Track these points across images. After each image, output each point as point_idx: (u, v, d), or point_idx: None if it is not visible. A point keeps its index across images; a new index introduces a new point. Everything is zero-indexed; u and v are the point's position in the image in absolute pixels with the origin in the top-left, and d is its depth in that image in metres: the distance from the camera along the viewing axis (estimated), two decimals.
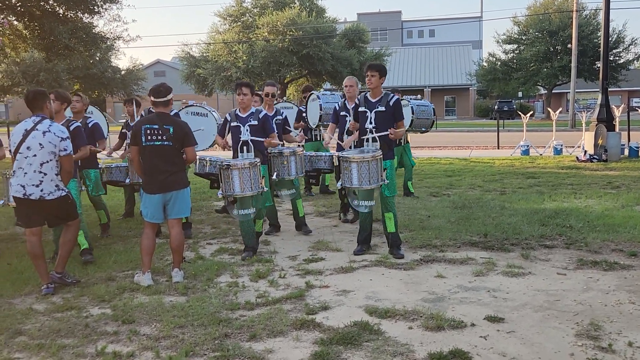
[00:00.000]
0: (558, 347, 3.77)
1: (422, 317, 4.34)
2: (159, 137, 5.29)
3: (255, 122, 6.34)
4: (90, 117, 7.10)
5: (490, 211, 8.08)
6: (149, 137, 5.30)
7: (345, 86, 7.12)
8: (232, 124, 6.42)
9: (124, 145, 8.26)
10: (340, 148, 6.94)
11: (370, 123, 6.07)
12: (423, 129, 9.78)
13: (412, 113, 9.26)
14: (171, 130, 5.30)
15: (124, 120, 8.59)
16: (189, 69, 40.42)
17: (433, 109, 10.02)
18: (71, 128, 6.01)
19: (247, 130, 6.32)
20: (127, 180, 7.37)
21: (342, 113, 7.02)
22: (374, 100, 6.12)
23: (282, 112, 7.61)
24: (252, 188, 5.97)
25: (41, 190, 5.08)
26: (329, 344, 3.89)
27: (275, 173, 6.72)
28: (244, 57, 35.48)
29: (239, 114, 6.42)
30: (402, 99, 9.41)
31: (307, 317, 4.39)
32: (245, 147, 6.31)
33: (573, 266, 5.57)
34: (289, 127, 7.81)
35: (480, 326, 4.16)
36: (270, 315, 4.42)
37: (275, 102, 7.82)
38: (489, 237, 6.65)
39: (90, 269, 5.84)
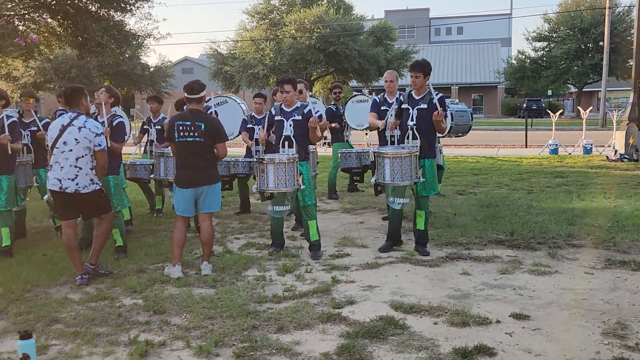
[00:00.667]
0: (584, 345, 3.79)
1: (447, 313, 4.38)
2: (191, 134, 5.41)
3: (300, 117, 6.16)
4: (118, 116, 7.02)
5: (517, 210, 8.06)
6: (182, 134, 5.43)
7: (386, 81, 7.16)
8: (276, 118, 6.28)
9: (145, 140, 8.46)
10: (382, 143, 6.91)
11: (412, 120, 5.99)
12: (460, 134, 9.72)
13: (452, 120, 9.19)
14: (203, 126, 5.42)
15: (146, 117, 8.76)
16: (217, 66, 40.74)
17: (471, 113, 9.96)
18: (114, 123, 6.21)
19: (290, 125, 6.17)
20: (151, 176, 7.50)
21: (382, 107, 7.04)
22: (417, 98, 6.04)
23: (307, 106, 6.98)
24: (287, 184, 5.89)
25: (76, 184, 5.25)
26: (355, 337, 3.96)
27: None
28: (271, 55, 35.64)
29: (284, 108, 6.27)
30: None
31: (333, 310, 4.47)
32: (287, 142, 6.17)
33: (601, 265, 5.54)
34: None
35: (506, 323, 4.19)
36: (297, 309, 4.50)
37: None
38: (516, 236, 6.64)
39: (122, 261, 5.99)
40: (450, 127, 9.16)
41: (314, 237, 6.19)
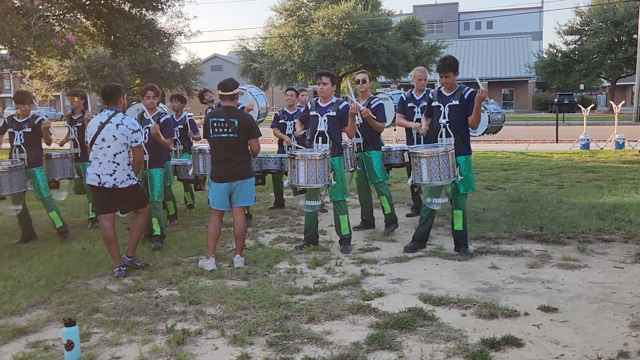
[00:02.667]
0: (612, 337, 3.82)
1: (476, 305, 4.45)
2: (225, 130, 5.58)
3: (334, 113, 6.21)
4: (164, 113, 7.02)
5: (546, 205, 8.04)
6: (216, 130, 5.60)
7: (415, 77, 7.19)
8: (311, 113, 6.37)
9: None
10: (410, 142, 6.93)
11: (444, 118, 5.89)
12: (491, 133, 9.68)
13: (489, 122, 9.15)
14: (236, 123, 5.58)
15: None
16: (245, 63, 41.13)
17: (504, 114, 9.93)
18: (161, 120, 6.55)
19: (324, 120, 6.23)
20: (190, 172, 7.69)
21: (409, 104, 7.07)
22: (448, 95, 5.93)
23: (343, 102, 6.51)
24: (318, 180, 5.95)
25: (114, 179, 5.45)
26: (384, 327, 4.06)
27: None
28: (300, 51, 35.82)
29: (320, 103, 6.32)
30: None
31: (363, 302, 4.57)
32: (320, 138, 6.24)
33: (631, 260, 5.53)
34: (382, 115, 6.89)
35: (534, 315, 4.24)
36: (327, 300, 4.62)
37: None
38: (545, 230, 6.64)
39: (158, 254, 6.19)
40: (486, 128, 9.12)
41: (345, 232, 6.28)
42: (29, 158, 6.80)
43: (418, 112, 7.01)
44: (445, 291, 4.80)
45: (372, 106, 6.69)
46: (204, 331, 4.15)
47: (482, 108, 8.95)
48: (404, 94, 7.31)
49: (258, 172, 7.76)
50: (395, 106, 7.89)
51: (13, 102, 7.74)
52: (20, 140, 6.81)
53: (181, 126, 8.43)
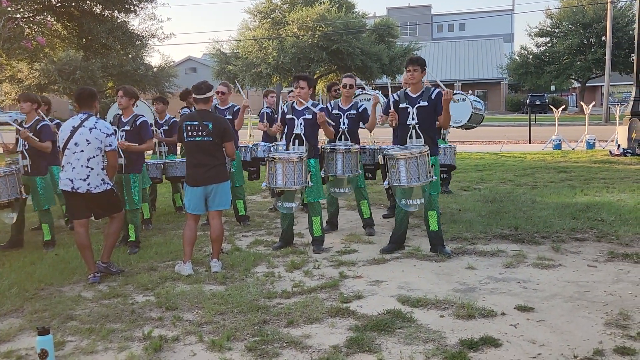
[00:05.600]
0: (587, 335, 3.88)
1: (454, 306, 4.48)
2: (199, 133, 5.53)
3: (310, 116, 6.28)
4: (140, 115, 6.79)
5: (521, 205, 8.14)
6: (190, 133, 5.55)
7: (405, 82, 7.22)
8: (287, 116, 6.42)
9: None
10: (396, 142, 6.95)
11: (413, 119, 5.93)
12: (474, 125, 9.76)
13: (472, 107, 9.22)
14: (210, 126, 5.53)
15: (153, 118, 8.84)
16: (220, 66, 40.84)
17: (485, 104, 10.06)
18: (137, 122, 6.49)
19: (300, 123, 6.30)
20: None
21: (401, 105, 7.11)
22: (415, 96, 5.98)
23: (361, 105, 6.97)
24: (296, 182, 6.01)
25: (88, 184, 5.36)
26: (364, 330, 4.06)
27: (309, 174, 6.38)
28: (274, 54, 35.73)
29: (296, 106, 6.39)
30: (456, 94, 9.37)
31: (342, 305, 4.56)
32: (297, 140, 6.31)
33: (604, 258, 5.63)
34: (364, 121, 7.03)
35: (511, 315, 4.28)
36: (306, 304, 4.60)
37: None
38: (520, 230, 6.72)
39: (133, 259, 6.11)
40: (471, 114, 9.21)
41: (317, 233, 6.38)
42: (32, 165, 6.68)
43: (414, 113, 6.98)
44: (423, 292, 4.82)
45: (360, 110, 6.87)
46: (181, 337, 4.10)
47: (463, 97, 9.07)
48: (396, 94, 7.29)
49: (252, 165, 7.89)
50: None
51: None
52: (24, 146, 6.69)
53: (166, 127, 8.43)
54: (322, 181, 6.59)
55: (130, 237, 6.49)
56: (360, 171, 6.71)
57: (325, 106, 6.63)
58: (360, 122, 6.96)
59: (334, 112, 6.84)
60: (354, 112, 6.80)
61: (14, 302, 4.88)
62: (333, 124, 6.66)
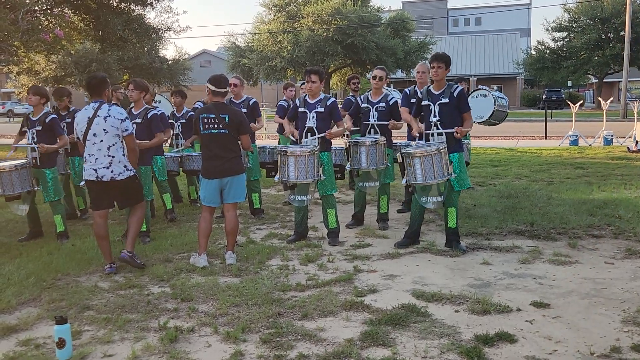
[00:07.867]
0: (604, 332, 3.85)
1: (469, 301, 4.46)
2: (216, 126, 5.54)
3: (322, 110, 6.29)
4: (152, 109, 6.90)
5: (537, 201, 8.08)
6: (207, 126, 5.56)
7: (417, 72, 7.20)
8: (300, 110, 6.43)
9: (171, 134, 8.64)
10: (410, 139, 6.92)
11: (435, 116, 5.89)
12: (496, 122, 9.66)
13: (495, 104, 9.12)
14: (227, 118, 5.55)
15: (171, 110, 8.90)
16: (235, 59, 40.92)
17: (507, 101, 9.95)
18: (148, 115, 6.59)
19: (313, 117, 6.30)
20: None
21: (412, 100, 7.01)
22: (437, 93, 5.93)
23: (392, 98, 6.89)
24: (307, 176, 6.02)
25: (112, 172, 5.41)
26: (378, 324, 4.05)
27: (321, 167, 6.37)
28: (289, 47, 35.72)
29: (308, 100, 6.40)
30: (479, 89, 9.28)
31: (356, 299, 4.56)
32: (309, 134, 6.30)
33: (621, 255, 5.58)
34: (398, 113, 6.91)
35: (526, 311, 4.25)
36: (320, 297, 4.61)
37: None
38: (536, 226, 6.68)
39: (149, 251, 6.15)
40: (493, 111, 9.13)
41: (332, 225, 6.40)
42: (41, 157, 6.71)
43: (436, 110, 6.95)
44: (438, 287, 4.80)
45: (390, 103, 6.79)
46: (196, 328, 4.12)
47: (486, 92, 8.96)
48: (408, 90, 7.27)
49: (271, 163, 7.92)
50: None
51: (53, 98, 7.47)
52: (33, 138, 6.72)
53: (183, 120, 8.47)
54: (350, 175, 6.58)
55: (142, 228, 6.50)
56: (389, 164, 6.71)
57: (335, 99, 6.56)
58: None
59: (363, 105, 6.83)
60: (384, 104, 6.76)
61: (31, 292, 4.94)
62: (344, 125, 6.59)
